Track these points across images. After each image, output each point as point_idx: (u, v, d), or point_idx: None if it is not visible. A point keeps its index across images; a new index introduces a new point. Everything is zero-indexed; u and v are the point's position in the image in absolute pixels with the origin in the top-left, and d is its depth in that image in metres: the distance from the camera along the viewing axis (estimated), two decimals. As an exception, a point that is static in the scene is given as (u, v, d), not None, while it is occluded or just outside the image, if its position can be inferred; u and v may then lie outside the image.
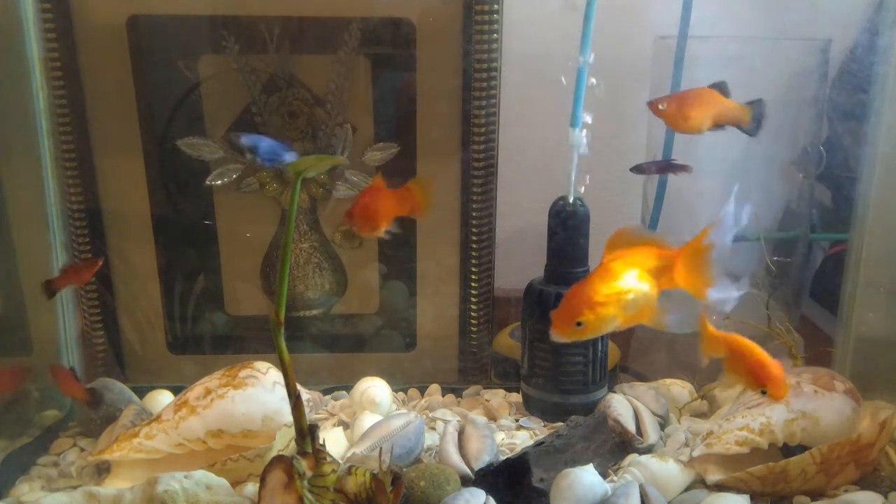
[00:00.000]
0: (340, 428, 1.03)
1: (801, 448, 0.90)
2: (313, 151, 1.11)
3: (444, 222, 1.15)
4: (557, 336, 0.77)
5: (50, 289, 0.95)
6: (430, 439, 1.00)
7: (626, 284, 0.76)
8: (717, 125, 0.95)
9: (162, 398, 1.06)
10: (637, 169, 1.04)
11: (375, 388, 1.07)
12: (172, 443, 0.91)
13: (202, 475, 0.81)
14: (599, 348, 1.05)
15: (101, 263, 0.97)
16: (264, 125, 1.11)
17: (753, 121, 0.95)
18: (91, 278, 1.05)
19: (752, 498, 0.86)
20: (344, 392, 1.13)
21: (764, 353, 0.80)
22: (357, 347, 1.21)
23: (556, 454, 0.90)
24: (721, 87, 0.94)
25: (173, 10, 1.07)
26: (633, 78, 1.24)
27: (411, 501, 0.83)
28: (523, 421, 1.06)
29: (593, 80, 1.01)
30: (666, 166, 1.06)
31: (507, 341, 1.22)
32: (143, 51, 1.07)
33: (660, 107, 0.93)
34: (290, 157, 0.80)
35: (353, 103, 1.11)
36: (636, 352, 1.29)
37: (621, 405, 1.00)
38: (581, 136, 1.03)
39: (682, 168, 1.05)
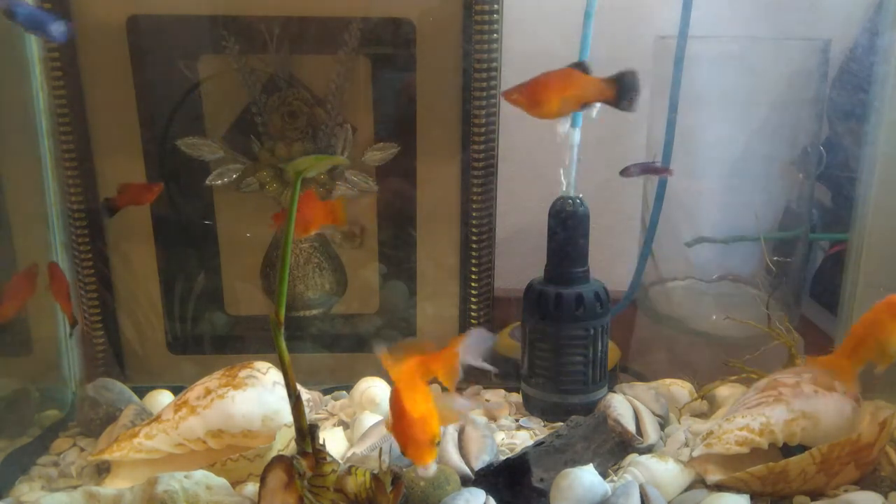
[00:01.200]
0: (340, 428, 1.03)
1: (801, 448, 0.90)
2: (313, 151, 1.12)
3: (444, 222, 1.15)
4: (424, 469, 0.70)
5: (109, 207, 0.95)
6: (430, 439, 1.00)
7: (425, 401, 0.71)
8: (584, 104, 0.92)
9: (162, 398, 1.06)
10: (624, 172, 1.05)
11: (375, 388, 1.07)
12: (172, 443, 0.91)
13: (202, 475, 0.81)
14: (599, 348, 1.05)
15: (161, 188, 0.96)
16: (264, 125, 1.11)
17: (624, 95, 0.90)
18: (150, 201, 1.01)
19: (752, 498, 0.86)
20: (344, 392, 1.13)
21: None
22: (357, 347, 1.21)
23: (556, 454, 0.90)
24: (582, 66, 0.92)
25: (173, 10, 1.07)
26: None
27: (411, 501, 0.83)
28: (523, 421, 1.06)
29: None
30: (648, 168, 1.07)
31: (507, 341, 1.22)
32: (143, 51, 1.07)
33: (513, 97, 0.91)
34: (56, 27, 0.77)
35: (353, 103, 1.11)
36: (636, 352, 1.29)
37: (621, 405, 1.00)
38: (578, 137, 1.03)
39: (664, 171, 1.05)
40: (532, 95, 0.91)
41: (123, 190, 0.98)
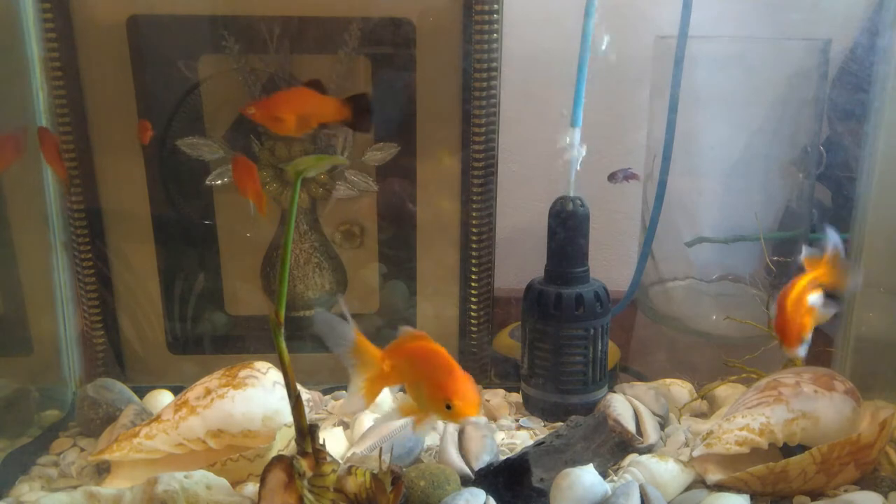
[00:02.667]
0: (340, 428, 1.03)
1: (801, 448, 0.90)
2: (313, 151, 1.12)
3: (444, 222, 1.15)
4: None
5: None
6: (430, 439, 1.00)
7: None
8: (322, 124, 0.96)
9: (162, 398, 1.06)
10: (612, 178, 1.08)
11: (375, 388, 1.06)
12: (172, 443, 0.91)
13: (202, 475, 0.81)
14: (599, 348, 1.05)
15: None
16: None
17: (360, 116, 0.94)
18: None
19: (752, 498, 0.86)
20: (344, 392, 1.13)
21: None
22: (357, 347, 1.21)
23: (556, 454, 0.90)
24: (316, 85, 0.95)
25: (173, 10, 1.07)
26: (633, 78, 1.24)
27: (411, 501, 0.83)
28: (523, 421, 1.06)
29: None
30: (626, 175, 1.09)
31: (507, 341, 1.22)
32: (143, 51, 1.07)
33: (249, 111, 0.94)
34: None
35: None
36: (636, 352, 1.29)
37: (621, 405, 1.00)
38: (578, 136, 1.03)
39: (634, 176, 1.10)
40: (271, 111, 0.94)
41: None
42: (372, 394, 0.77)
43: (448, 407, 0.70)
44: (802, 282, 0.88)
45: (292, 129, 0.95)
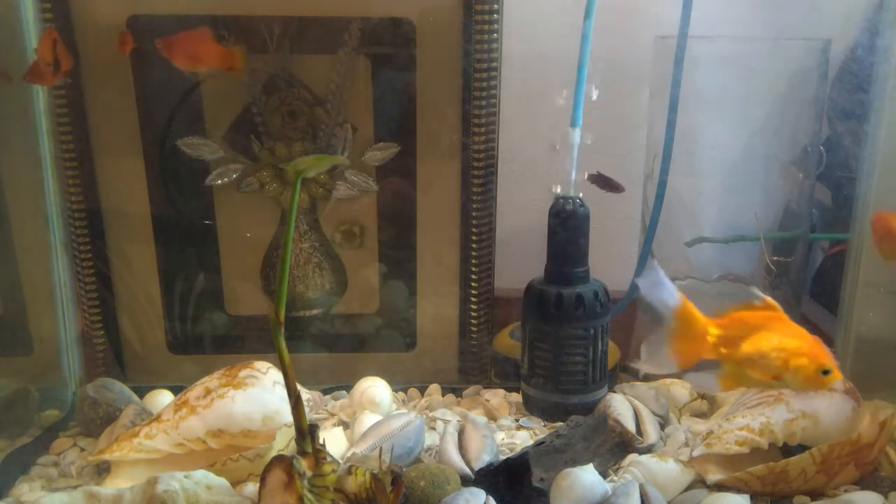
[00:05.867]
0: (340, 428, 1.03)
1: (801, 448, 0.90)
2: (313, 151, 1.12)
3: (444, 222, 1.15)
4: None
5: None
6: (430, 439, 1.00)
7: None
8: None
9: (162, 398, 1.06)
10: (591, 179, 1.08)
11: (375, 388, 1.07)
12: (172, 443, 0.91)
13: (202, 475, 0.81)
14: (599, 348, 1.05)
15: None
16: (264, 125, 1.11)
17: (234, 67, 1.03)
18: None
19: (752, 498, 0.86)
20: (344, 392, 1.13)
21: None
22: (357, 347, 1.21)
23: (556, 454, 0.90)
24: (218, 35, 1.02)
25: (173, 10, 1.07)
26: (633, 78, 1.24)
27: (411, 501, 0.83)
28: (523, 421, 1.06)
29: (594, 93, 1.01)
30: (608, 183, 1.10)
31: (507, 341, 1.22)
32: (143, 51, 1.07)
33: (159, 45, 1.01)
34: None
35: (353, 103, 1.11)
36: (636, 352, 1.29)
37: (621, 405, 1.00)
38: (577, 136, 1.03)
39: (614, 187, 1.11)
40: (169, 46, 1.01)
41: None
42: (687, 360, 0.77)
43: (825, 372, 0.74)
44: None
45: (186, 65, 1.02)
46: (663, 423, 1.03)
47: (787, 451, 0.92)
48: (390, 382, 1.09)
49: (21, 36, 1.03)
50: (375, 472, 0.76)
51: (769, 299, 0.77)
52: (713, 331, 0.78)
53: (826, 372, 0.74)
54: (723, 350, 0.78)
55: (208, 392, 0.94)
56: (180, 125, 1.11)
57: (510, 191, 1.26)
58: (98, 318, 1.15)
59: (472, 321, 1.17)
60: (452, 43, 1.08)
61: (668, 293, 0.77)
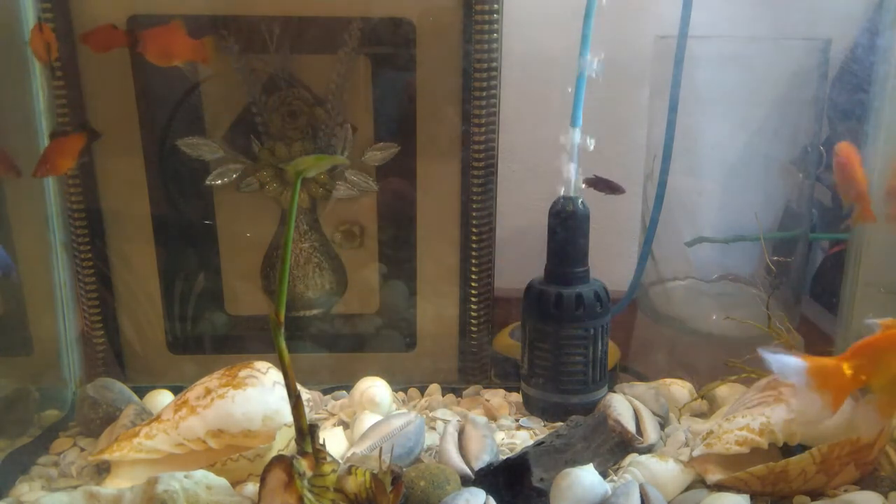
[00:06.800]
0: (340, 428, 1.03)
1: (801, 448, 0.90)
2: (313, 151, 1.12)
3: (444, 222, 1.15)
4: None
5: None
6: (430, 439, 1.00)
7: None
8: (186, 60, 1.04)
9: (162, 398, 1.06)
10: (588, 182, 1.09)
11: (375, 388, 1.07)
12: (172, 443, 0.91)
13: (202, 475, 0.81)
14: (599, 348, 1.05)
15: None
16: (264, 125, 1.11)
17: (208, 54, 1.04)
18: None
19: (752, 498, 0.86)
20: (344, 392, 1.13)
21: None
22: (357, 347, 1.21)
23: (556, 454, 0.90)
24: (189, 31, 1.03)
25: (173, 10, 1.07)
26: (633, 78, 1.24)
27: (411, 501, 0.83)
28: (523, 421, 1.06)
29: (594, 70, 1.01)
30: (608, 185, 1.11)
31: (507, 341, 1.22)
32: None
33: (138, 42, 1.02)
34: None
35: (353, 103, 1.11)
36: (636, 352, 1.29)
37: (621, 405, 1.00)
38: (578, 136, 1.03)
39: (613, 189, 1.11)
40: (145, 41, 1.02)
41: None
42: (837, 402, 0.82)
43: None
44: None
45: (159, 60, 1.03)
46: (663, 423, 1.03)
47: (787, 451, 0.92)
48: (390, 382, 1.09)
49: (21, 36, 1.03)
50: (375, 472, 0.76)
51: (885, 320, 0.81)
52: (846, 365, 0.83)
53: None
54: (863, 377, 0.82)
55: (208, 392, 0.94)
56: (180, 125, 1.11)
57: (510, 191, 1.27)
58: (98, 318, 1.15)
59: (472, 321, 1.17)
60: (452, 43, 1.08)
61: (793, 361, 0.81)
